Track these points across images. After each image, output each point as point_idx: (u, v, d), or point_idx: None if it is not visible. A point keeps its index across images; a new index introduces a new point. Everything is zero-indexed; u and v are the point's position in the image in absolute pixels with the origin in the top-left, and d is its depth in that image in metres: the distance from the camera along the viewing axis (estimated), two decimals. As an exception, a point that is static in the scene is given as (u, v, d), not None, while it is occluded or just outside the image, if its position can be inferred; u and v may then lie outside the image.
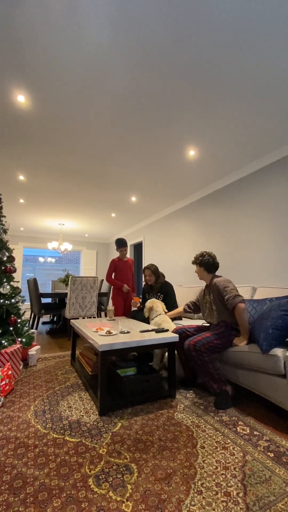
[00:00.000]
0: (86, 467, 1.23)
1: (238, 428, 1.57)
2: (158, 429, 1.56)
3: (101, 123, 2.64)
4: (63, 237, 8.16)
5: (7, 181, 4.06)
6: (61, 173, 3.83)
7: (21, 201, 5.03)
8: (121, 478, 1.16)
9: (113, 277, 3.70)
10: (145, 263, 6.24)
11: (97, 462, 1.27)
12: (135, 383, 1.89)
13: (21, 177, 3.96)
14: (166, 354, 2.34)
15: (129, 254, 7.30)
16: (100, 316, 5.08)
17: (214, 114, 2.48)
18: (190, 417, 1.70)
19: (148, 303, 2.66)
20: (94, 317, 4.62)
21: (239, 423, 1.63)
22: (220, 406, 1.79)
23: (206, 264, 2.18)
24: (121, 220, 6.42)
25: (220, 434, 1.51)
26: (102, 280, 5.81)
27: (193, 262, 2.26)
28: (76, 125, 2.67)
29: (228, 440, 1.45)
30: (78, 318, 4.39)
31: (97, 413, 1.74)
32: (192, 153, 3.17)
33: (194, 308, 2.40)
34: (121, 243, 3.67)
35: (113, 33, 1.72)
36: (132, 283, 3.76)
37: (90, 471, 1.20)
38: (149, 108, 2.41)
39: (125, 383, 1.85)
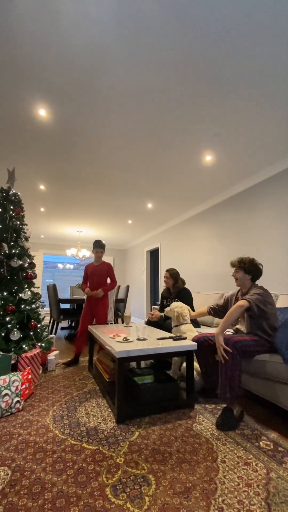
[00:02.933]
0: (104, 476, 1.22)
1: (261, 443, 1.49)
2: (177, 440, 1.52)
3: (118, 132, 2.70)
4: (81, 243, 8.33)
5: (29, 190, 4.24)
6: (79, 182, 3.94)
7: (42, 209, 5.22)
8: (139, 490, 1.13)
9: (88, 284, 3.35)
10: (161, 269, 6.22)
11: (114, 471, 1.25)
12: (152, 391, 1.86)
13: (42, 187, 4.12)
14: (185, 363, 2.29)
15: (145, 260, 7.31)
16: (117, 322, 5.10)
17: (231, 118, 2.46)
18: (210, 429, 1.64)
19: (179, 309, 2.48)
20: (111, 323, 4.64)
21: (262, 437, 1.55)
22: (221, 425, 1.64)
23: (255, 272, 2.04)
24: (138, 227, 6.47)
25: (242, 448, 1.44)
26: (119, 286, 5.85)
27: (237, 267, 2.08)
28: (94, 136, 2.75)
29: (251, 456, 1.38)
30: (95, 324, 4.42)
31: (114, 420, 1.73)
32: (208, 158, 3.15)
33: (219, 312, 2.30)
34: (95, 244, 3.28)
35: (127, 42, 1.77)
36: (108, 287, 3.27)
37: (107, 480, 1.19)
38: (165, 116, 2.44)
39: (142, 391, 1.83)
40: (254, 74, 1.97)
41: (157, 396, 1.87)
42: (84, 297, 5.08)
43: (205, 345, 2.07)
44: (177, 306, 2.52)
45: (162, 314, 2.90)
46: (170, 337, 2.11)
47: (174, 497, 1.09)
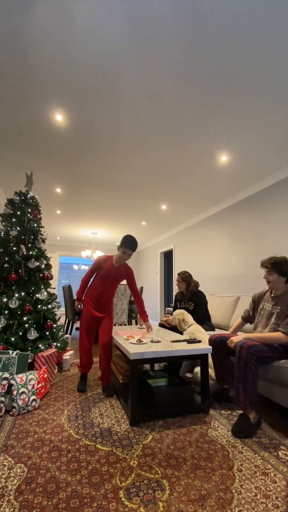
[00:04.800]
0: (117, 478, 1.22)
1: (279, 452, 1.44)
2: (191, 446, 1.49)
3: (132, 135, 2.71)
4: (95, 245, 8.44)
5: (45, 194, 4.35)
6: (94, 185, 3.99)
7: (58, 212, 5.34)
8: (152, 494, 1.12)
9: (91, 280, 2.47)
10: (175, 271, 6.17)
11: (128, 474, 1.24)
12: (166, 394, 1.84)
13: (58, 190, 4.21)
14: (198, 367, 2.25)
15: (158, 262, 7.28)
16: (131, 324, 5.11)
17: (246, 118, 2.41)
18: (226, 436, 1.60)
19: (179, 316, 2.60)
20: (125, 325, 4.66)
21: (281, 447, 1.49)
22: (237, 432, 1.59)
23: None
24: (151, 228, 6.47)
25: (259, 458, 1.39)
26: (133, 287, 5.87)
27: (270, 268, 1.92)
28: (108, 139, 2.78)
29: (269, 466, 1.33)
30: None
31: (127, 423, 1.73)
32: (224, 158, 3.10)
33: (251, 318, 2.18)
34: (130, 244, 2.30)
35: (140, 47, 1.78)
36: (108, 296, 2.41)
37: (121, 483, 1.18)
38: (179, 117, 2.43)
39: (156, 394, 1.82)
40: (269, 74, 1.92)
41: (171, 400, 1.85)
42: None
43: (222, 345, 2.01)
44: (178, 314, 2.63)
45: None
46: (184, 340, 2.08)
47: (188, 504, 1.07)
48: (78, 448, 1.43)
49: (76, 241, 8.14)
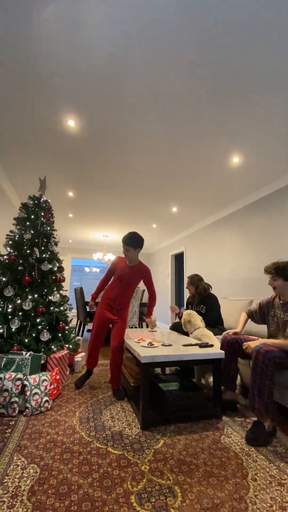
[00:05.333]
0: (129, 482, 1.21)
1: (296, 462, 1.39)
2: (203, 452, 1.47)
3: (142, 138, 2.73)
4: (107, 248, 8.51)
5: (58, 197, 4.43)
6: (106, 188, 4.03)
7: (70, 215, 5.43)
8: (164, 501, 1.11)
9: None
10: (186, 274, 6.12)
11: (139, 479, 1.23)
12: (178, 399, 1.82)
13: (70, 194, 4.29)
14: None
15: (169, 265, 7.25)
16: (142, 327, 5.10)
17: (259, 118, 2.37)
18: (239, 443, 1.56)
19: (185, 316, 2.56)
20: (136, 327, 4.65)
21: (297, 457, 1.44)
22: (251, 440, 1.55)
23: None
24: (162, 231, 6.46)
25: (275, 467, 1.35)
26: (144, 290, 5.86)
27: (274, 274, 1.90)
28: (119, 143, 2.81)
29: (285, 476, 1.28)
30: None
31: (139, 426, 1.72)
32: (236, 160, 3.06)
33: (257, 318, 2.17)
34: (130, 239, 2.27)
35: (147, 51, 1.79)
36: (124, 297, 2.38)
37: (132, 488, 1.18)
38: (190, 119, 2.42)
39: (167, 398, 1.80)
40: (281, 74, 1.88)
41: (182, 404, 1.82)
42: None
43: (236, 347, 1.97)
44: (186, 314, 2.59)
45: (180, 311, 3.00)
46: (196, 344, 2.06)
47: (201, 513, 1.05)
48: (89, 450, 1.44)
49: (87, 243, 8.23)
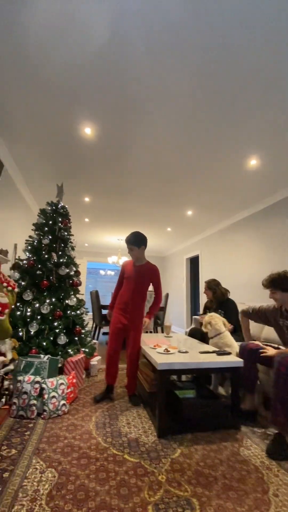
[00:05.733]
0: (146, 492, 1.20)
1: None
2: (222, 464, 1.43)
3: (157, 143, 2.74)
4: (121, 251, 8.58)
5: (75, 203, 4.53)
6: (121, 193, 4.08)
7: (86, 220, 5.53)
8: (182, 513, 1.08)
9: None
10: (202, 278, 6.04)
11: (156, 489, 1.22)
12: (195, 407, 1.79)
13: (87, 199, 4.37)
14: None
15: (184, 268, 7.18)
16: (157, 331, 5.07)
17: (277, 119, 2.32)
18: (259, 456, 1.50)
19: (207, 317, 2.47)
20: (151, 332, 4.63)
21: None
22: (273, 454, 1.49)
23: None
24: (177, 234, 6.42)
25: (298, 484, 1.29)
26: (159, 294, 5.84)
27: (271, 287, 1.90)
28: (134, 148, 2.84)
29: (309, 494, 1.22)
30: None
31: (155, 434, 1.70)
32: (253, 162, 3.00)
33: (254, 316, 2.19)
34: (130, 237, 2.31)
35: (164, 53, 1.80)
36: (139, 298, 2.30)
37: (149, 497, 1.16)
38: (206, 122, 2.40)
39: (184, 406, 1.77)
40: (305, 71, 1.83)
41: (199, 413, 1.79)
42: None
43: (257, 355, 1.90)
44: (207, 316, 2.47)
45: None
46: (213, 351, 2.02)
47: (220, 529, 1.02)
48: (106, 457, 1.44)
49: (102, 247, 8.34)
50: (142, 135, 2.61)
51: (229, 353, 1.98)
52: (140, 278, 2.29)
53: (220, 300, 2.93)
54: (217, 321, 2.38)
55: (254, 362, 1.92)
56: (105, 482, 1.25)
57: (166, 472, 1.34)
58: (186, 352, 1.98)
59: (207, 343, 2.54)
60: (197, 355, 1.91)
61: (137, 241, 2.28)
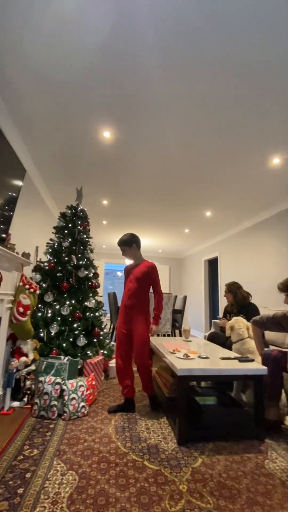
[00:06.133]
0: (166, 501, 1.17)
1: None
2: (246, 477, 1.37)
3: (175, 144, 2.70)
4: (139, 253, 8.60)
5: (94, 206, 4.60)
6: (138, 195, 4.08)
7: (104, 222, 5.59)
8: (205, 527, 1.04)
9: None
10: (221, 281, 5.90)
11: (177, 499, 1.19)
12: (216, 415, 1.74)
13: (105, 202, 4.42)
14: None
15: (202, 270, 7.06)
16: (174, 335, 5.01)
17: (303, 117, 2.21)
18: (286, 470, 1.42)
19: (231, 320, 2.40)
20: (169, 335, 4.59)
21: None
22: None
23: None
24: (195, 235, 6.33)
25: None
26: (176, 296, 5.77)
27: (283, 290, 1.85)
28: (151, 150, 2.82)
29: None
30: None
31: (175, 441, 1.66)
32: (276, 160, 2.88)
33: (270, 325, 2.04)
34: (119, 241, 2.33)
35: (181, 54, 1.77)
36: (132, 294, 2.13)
37: (170, 507, 1.13)
38: (226, 121, 2.34)
39: (205, 414, 1.72)
40: None
41: (221, 421, 1.73)
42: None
43: (282, 363, 1.83)
44: (232, 320, 2.40)
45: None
46: (235, 358, 1.95)
47: None
48: (126, 462, 1.43)
49: (120, 249, 8.39)
50: (159, 136, 2.60)
51: (252, 360, 1.90)
52: (137, 275, 2.14)
53: (241, 304, 2.84)
54: (241, 325, 2.31)
55: (279, 370, 1.83)
56: (125, 489, 1.23)
57: (187, 482, 1.30)
58: (206, 358, 1.93)
59: (227, 348, 2.47)
60: (218, 362, 1.85)
61: (126, 241, 2.24)
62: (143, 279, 2.13)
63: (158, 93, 2.06)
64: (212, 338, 2.93)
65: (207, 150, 2.79)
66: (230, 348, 2.42)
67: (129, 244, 2.25)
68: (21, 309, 2.18)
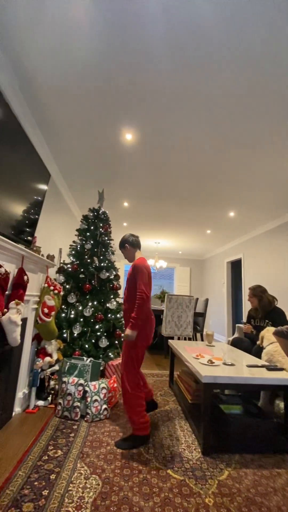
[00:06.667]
0: (192, 515, 1.12)
1: None
2: (276, 494, 1.29)
3: (196, 142, 2.64)
4: (158, 254, 8.55)
5: (115, 208, 4.64)
6: (159, 196, 4.05)
7: (125, 224, 5.62)
8: None
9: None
10: (245, 283, 5.70)
11: (203, 513, 1.14)
12: (243, 426, 1.65)
13: (126, 204, 4.43)
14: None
15: (225, 272, 6.86)
16: (196, 338, 4.91)
17: None
18: None
19: (262, 332, 2.36)
20: (190, 338, 4.50)
21: None
22: None
23: None
24: (217, 236, 6.17)
25: None
26: (197, 299, 5.66)
27: None
28: (173, 151, 2.78)
29: None
30: (173, 337, 4.38)
31: (199, 450, 1.61)
32: (305, 158, 2.72)
33: None
34: (125, 240, 2.14)
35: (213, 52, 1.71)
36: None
37: (196, 522, 1.09)
38: (253, 119, 2.25)
39: (230, 423, 1.65)
40: None
41: (248, 432, 1.65)
42: (162, 307, 5.12)
43: None
44: (264, 331, 2.36)
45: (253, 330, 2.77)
46: (263, 366, 1.85)
47: None
48: (149, 470, 1.40)
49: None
50: (180, 136, 2.55)
51: (281, 369, 1.80)
52: (127, 280, 1.94)
53: (267, 309, 2.71)
54: (271, 333, 2.25)
55: None
56: (149, 498, 1.20)
57: (213, 495, 1.25)
58: (232, 364, 1.85)
59: (252, 354, 2.36)
60: (244, 369, 1.77)
61: (120, 243, 2.13)
62: (131, 281, 1.89)
63: (179, 94, 2.02)
64: (236, 343, 2.82)
65: (232, 149, 2.69)
66: (256, 355, 2.32)
67: (122, 245, 2.12)
68: (46, 310, 2.23)
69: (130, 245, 2.08)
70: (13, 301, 1.66)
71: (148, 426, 1.67)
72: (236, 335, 3.12)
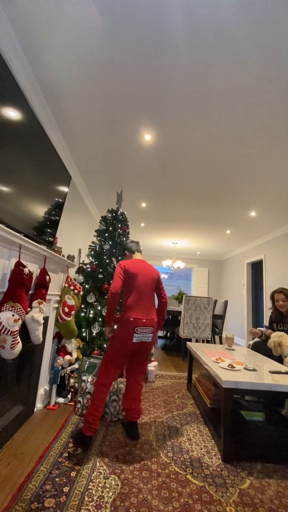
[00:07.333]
0: (213, 524, 1.10)
1: None
2: (302, 508, 1.22)
3: (221, 141, 2.59)
4: (175, 255, 8.49)
5: (133, 209, 4.66)
6: (177, 197, 4.01)
7: (142, 224, 5.63)
8: None
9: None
10: (266, 285, 5.51)
11: (224, 522, 1.11)
12: (265, 433, 1.60)
13: (143, 204, 4.44)
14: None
15: (245, 274, 6.67)
16: (214, 341, 4.81)
17: None
18: None
19: (275, 338, 2.26)
20: (209, 341, 4.42)
21: None
22: None
23: None
24: (237, 237, 6.02)
25: None
26: (216, 301, 5.54)
27: None
28: (192, 151, 2.74)
29: None
30: (191, 339, 4.33)
31: (219, 456, 1.57)
32: None
33: None
34: (123, 249, 2.16)
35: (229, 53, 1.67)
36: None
37: (217, 531, 1.06)
38: (277, 119, 2.17)
39: (252, 431, 1.60)
40: None
41: (270, 441, 1.59)
42: (179, 308, 5.07)
43: None
44: (275, 335, 2.30)
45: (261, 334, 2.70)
46: (286, 372, 1.78)
47: None
48: (168, 473, 1.38)
49: (157, 250, 8.39)
50: (199, 135, 2.51)
51: (307, 377, 1.71)
52: None
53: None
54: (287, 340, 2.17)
55: None
56: (169, 502, 1.19)
57: (234, 504, 1.21)
58: (254, 370, 1.79)
59: (275, 359, 2.27)
60: (267, 375, 1.71)
61: (121, 251, 2.21)
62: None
63: (199, 92, 1.99)
64: (257, 347, 2.73)
65: (253, 146, 2.61)
66: (279, 361, 2.23)
67: (123, 253, 2.15)
68: (66, 309, 2.28)
69: (128, 251, 2.11)
70: (36, 300, 1.71)
71: (92, 428, 1.53)
72: (256, 338, 3.02)
